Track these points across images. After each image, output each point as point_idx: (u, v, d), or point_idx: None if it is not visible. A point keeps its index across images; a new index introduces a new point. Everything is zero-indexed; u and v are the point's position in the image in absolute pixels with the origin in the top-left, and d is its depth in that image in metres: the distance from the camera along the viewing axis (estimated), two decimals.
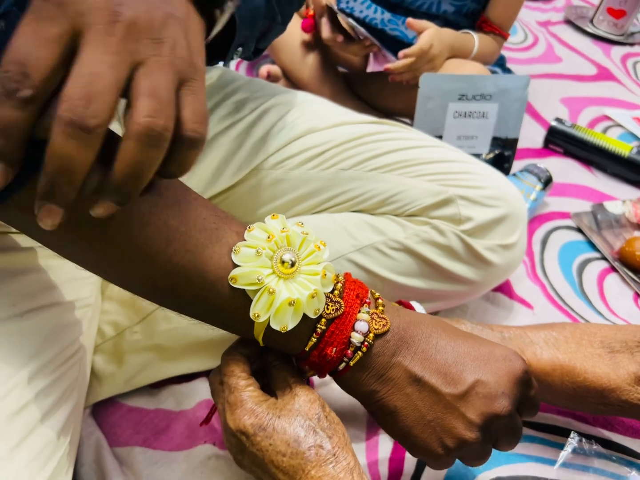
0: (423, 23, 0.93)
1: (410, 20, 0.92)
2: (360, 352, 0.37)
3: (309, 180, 0.64)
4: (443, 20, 1.00)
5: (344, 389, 0.40)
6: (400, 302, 0.48)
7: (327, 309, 0.36)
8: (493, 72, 1.03)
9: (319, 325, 0.36)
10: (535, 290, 0.76)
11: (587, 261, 0.82)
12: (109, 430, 0.54)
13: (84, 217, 0.32)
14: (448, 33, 0.95)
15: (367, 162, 0.62)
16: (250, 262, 0.35)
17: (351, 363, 0.37)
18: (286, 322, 0.35)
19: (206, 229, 0.35)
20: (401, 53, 0.89)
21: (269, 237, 0.35)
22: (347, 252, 0.59)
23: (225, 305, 0.36)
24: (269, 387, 0.40)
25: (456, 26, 0.99)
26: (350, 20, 0.91)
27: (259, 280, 0.34)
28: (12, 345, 0.41)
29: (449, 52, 0.95)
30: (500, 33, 1.01)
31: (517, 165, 0.95)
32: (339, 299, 0.37)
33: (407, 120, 1.01)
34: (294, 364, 0.41)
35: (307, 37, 1.04)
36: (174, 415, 0.56)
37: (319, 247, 0.37)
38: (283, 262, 0.35)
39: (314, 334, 0.36)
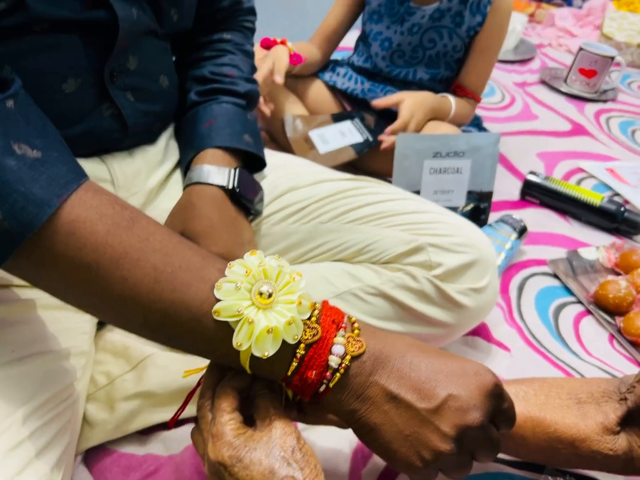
0: (394, 97, 1.04)
1: (375, 102, 1.04)
2: (338, 374, 0.40)
3: (291, 233, 0.70)
4: (419, 87, 1.11)
5: (329, 411, 0.44)
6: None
7: (305, 334, 0.40)
8: (469, 131, 1.11)
9: (298, 351, 0.40)
10: (512, 334, 0.81)
11: (563, 305, 0.87)
12: (99, 476, 0.58)
13: (82, 263, 0.37)
14: (429, 97, 1.05)
15: (344, 215, 0.69)
16: (231, 296, 0.40)
17: (330, 385, 0.41)
18: (267, 349, 0.39)
19: (190, 269, 0.40)
20: (387, 130, 1.01)
21: (246, 272, 0.41)
22: (327, 298, 0.63)
23: (211, 337, 0.40)
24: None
25: (432, 91, 1.09)
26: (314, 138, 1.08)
27: (239, 312, 0.39)
28: (11, 387, 0.45)
29: (431, 114, 1.04)
30: (473, 97, 1.10)
31: (495, 216, 1.02)
32: (316, 325, 0.41)
33: (389, 178, 1.08)
34: (279, 394, 0.45)
35: None
36: (162, 460, 0.60)
37: (294, 278, 0.41)
38: (261, 293, 0.40)
39: (294, 359, 0.40)
